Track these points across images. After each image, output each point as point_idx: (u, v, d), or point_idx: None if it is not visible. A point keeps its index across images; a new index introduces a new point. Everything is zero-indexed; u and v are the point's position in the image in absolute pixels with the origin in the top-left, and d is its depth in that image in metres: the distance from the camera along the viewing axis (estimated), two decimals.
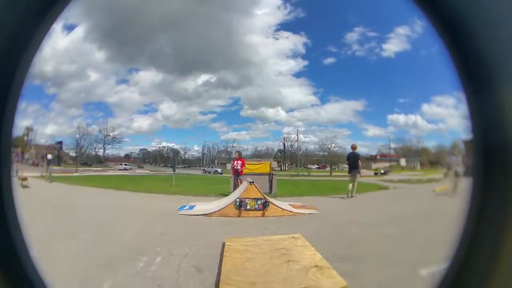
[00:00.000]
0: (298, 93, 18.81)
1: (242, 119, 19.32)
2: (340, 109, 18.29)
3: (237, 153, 9.85)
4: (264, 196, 6.29)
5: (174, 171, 12.61)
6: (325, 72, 18.35)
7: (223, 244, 4.19)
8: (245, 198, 6.09)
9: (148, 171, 17.73)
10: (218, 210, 6.07)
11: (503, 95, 0.50)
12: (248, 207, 6.09)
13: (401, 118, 16.85)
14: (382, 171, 16.36)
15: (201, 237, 4.86)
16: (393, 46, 16.08)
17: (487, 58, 0.51)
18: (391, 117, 17.71)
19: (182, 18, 18.04)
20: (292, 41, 17.64)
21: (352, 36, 17.07)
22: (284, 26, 17.57)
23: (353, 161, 8.95)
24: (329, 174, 17.11)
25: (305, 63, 18.13)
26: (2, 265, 0.55)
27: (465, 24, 0.52)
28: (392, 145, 17.90)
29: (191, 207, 6.66)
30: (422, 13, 0.57)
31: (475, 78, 0.53)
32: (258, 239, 4.28)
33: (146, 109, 18.93)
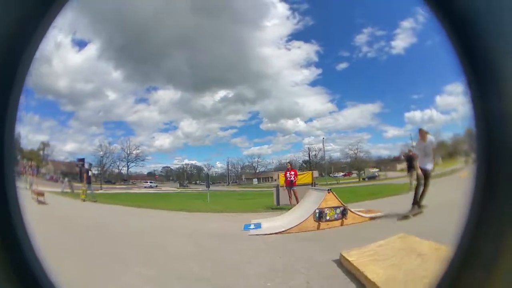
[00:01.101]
0: (315, 102, 19.12)
1: (262, 133, 19.57)
2: (357, 113, 18.36)
3: (288, 164, 9.24)
4: (342, 204, 5.66)
5: (208, 187, 11.94)
6: (339, 78, 18.63)
7: (340, 261, 3.60)
8: (324, 208, 5.45)
9: (175, 189, 17.30)
10: (296, 225, 5.38)
11: (507, 90, 0.49)
12: (327, 217, 5.44)
13: (417, 114, 16.85)
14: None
15: (303, 258, 4.10)
16: (401, 42, 16.41)
17: (491, 53, 0.49)
18: (408, 114, 17.75)
19: (193, 34, 18.33)
20: (305, 50, 17.94)
21: (361, 38, 17.41)
22: (295, 36, 17.90)
23: (409, 162, 9.13)
24: (357, 180, 16.58)
25: (319, 71, 18.50)
26: (9, 265, 0.56)
27: (470, 20, 0.51)
28: (414, 143, 17.58)
29: (258, 226, 5.96)
30: (427, 9, 0.56)
31: (479, 74, 0.51)
32: (371, 247, 3.75)
33: (167, 127, 19.10)
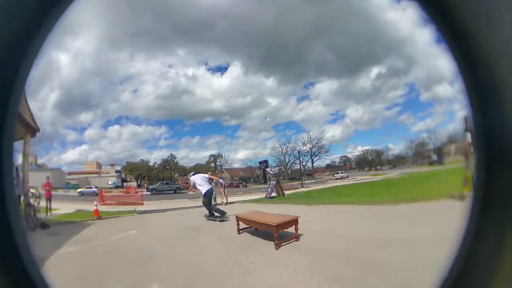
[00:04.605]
0: (445, 61, 13.95)
1: (423, 106, 16.83)
2: None
3: None
4: None
5: (442, 163, 9.96)
6: None
7: None
8: None
9: (370, 176, 16.88)
10: None
11: (506, 96, 0.48)
12: None
13: None
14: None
15: None
16: None
17: (490, 58, 0.50)
18: None
19: (319, 22, 18.78)
20: (412, 7, 13.60)
21: None
22: None
23: None
24: None
25: (433, 26, 14.47)
26: (4, 265, 0.55)
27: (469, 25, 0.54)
28: None
29: None
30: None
31: (478, 76, 0.53)
32: None
33: (334, 117, 19.78)
